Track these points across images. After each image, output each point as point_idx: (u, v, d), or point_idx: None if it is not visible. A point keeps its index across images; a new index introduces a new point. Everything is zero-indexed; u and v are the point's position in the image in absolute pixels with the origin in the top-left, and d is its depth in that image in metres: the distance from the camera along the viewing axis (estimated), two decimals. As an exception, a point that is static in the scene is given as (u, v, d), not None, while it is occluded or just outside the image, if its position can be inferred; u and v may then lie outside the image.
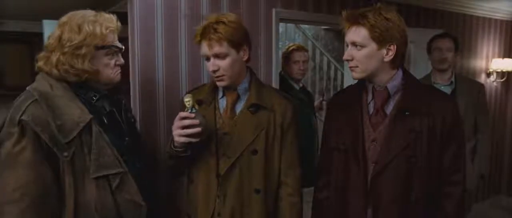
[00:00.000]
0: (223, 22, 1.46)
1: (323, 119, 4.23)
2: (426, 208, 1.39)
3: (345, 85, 3.66)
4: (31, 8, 3.61)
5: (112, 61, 1.43)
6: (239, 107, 1.59)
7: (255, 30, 2.64)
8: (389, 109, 1.42)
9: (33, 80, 1.39)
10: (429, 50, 2.79)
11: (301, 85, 3.03)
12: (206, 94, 1.63)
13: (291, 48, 2.94)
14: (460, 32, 3.91)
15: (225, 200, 1.54)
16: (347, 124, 1.47)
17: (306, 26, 5.52)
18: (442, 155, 1.38)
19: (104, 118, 1.43)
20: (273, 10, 2.70)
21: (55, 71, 1.34)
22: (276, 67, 2.68)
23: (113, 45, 1.41)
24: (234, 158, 1.53)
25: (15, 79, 4.48)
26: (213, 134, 1.56)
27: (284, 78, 2.95)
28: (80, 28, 1.36)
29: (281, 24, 3.54)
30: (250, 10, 2.61)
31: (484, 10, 4.16)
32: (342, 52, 4.32)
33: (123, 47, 1.50)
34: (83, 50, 1.34)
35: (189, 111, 1.42)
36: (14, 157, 1.21)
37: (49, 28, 2.71)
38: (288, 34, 5.59)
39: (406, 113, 1.36)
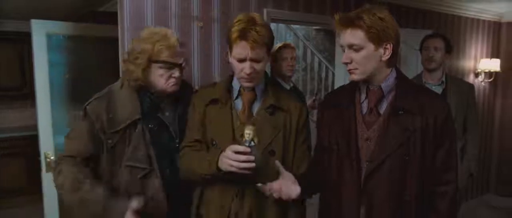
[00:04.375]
0: (262, 25, 1.47)
1: (315, 119, 4.25)
2: (419, 207, 1.40)
3: (336, 85, 3.68)
4: (19, 8, 3.57)
5: (167, 74, 1.64)
6: (256, 108, 1.59)
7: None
8: (383, 108, 1.42)
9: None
10: (421, 50, 2.82)
11: (291, 84, 3.03)
12: (221, 93, 1.59)
13: (278, 46, 2.95)
14: (449, 32, 3.95)
15: (243, 201, 1.53)
16: (340, 123, 1.47)
17: (297, 26, 5.53)
18: (435, 154, 1.39)
19: (152, 120, 1.67)
20: (264, 10, 2.70)
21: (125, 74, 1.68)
22: (268, 67, 2.68)
23: (166, 61, 1.61)
24: None
25: (2, 80, 4.42)
26: (230, 134, 1.54)
27: (274, 79, 2.95)
28: (140, 42, 1.63)
29: (273, 25, 3.54)
30: (242, 10, 2.60)
31: (472, 11, 4.21)
32: (333, 52, 4.34)
33: (181, 63, 1.67)
34: (138, 61, 1.61)
35: (247, 143, 1.37)
36: (77, 129, 1.67)
37: (38, 28, 2.67)
38: (280, 35, 5.59)
39: (400, 112, 1.37)
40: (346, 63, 1.41)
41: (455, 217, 1.46)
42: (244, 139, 1.38)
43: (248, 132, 1.37)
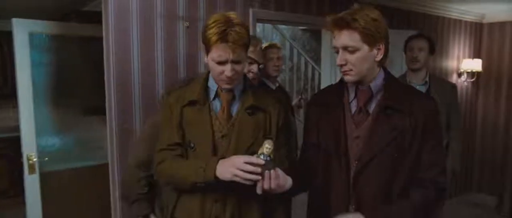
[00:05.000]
0: (241, 25, 1.41)
1: (301, 118, 4.27)
2: None
3: (323, 85, 3.70)
4: (0, 7, 3.49)
5: (246, 68, 1.81)
6: (235, 109, 1.54)
7: (233, 30, 2.63)
8: (372, 107, 1.43)
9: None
10: (405, 50, 2.86)
11: (277, 84, 3.04)
12: (198, 94, 1.54)
13: (264, 46, 2.95)
14: (433, 33, 4.01)
15: (225, 205, 1.49)
16: (328, 122, 1.47)
17: (284, 26, 5.55)
18: (421, 152, 1.40)
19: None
20: (250, 11, 2.70)
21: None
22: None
23: (248, 56, 1.69)
24: None
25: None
26: (209, 136, 1.50)
27: (260, 79, 2.95)
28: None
29: (259, 25, 3.54)
30: (227, 10, 2.60)
31: (455, 12, 4.29)
32: (319, 52, 4.37)
33: (260, 63, 1.89)
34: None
35: (263, 157, 1.32)
36: (161, 115, 1.66)
37: (20, 27, 2.62)
38: (266, 35, 5.60)
39: (389, 111, 1.39)
40: (341, 65, 1.39)
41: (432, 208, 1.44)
42: (261, 152, 1.33)
43: (268, 147, 1.33)
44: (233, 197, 1.48)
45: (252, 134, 1.50)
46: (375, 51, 1.38)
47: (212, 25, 1.39)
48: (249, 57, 1.83)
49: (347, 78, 1.41)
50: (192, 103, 1.53)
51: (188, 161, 1.52)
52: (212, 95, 1.55)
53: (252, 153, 1.46)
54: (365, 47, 1.36)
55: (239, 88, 1.55)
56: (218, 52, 1.40)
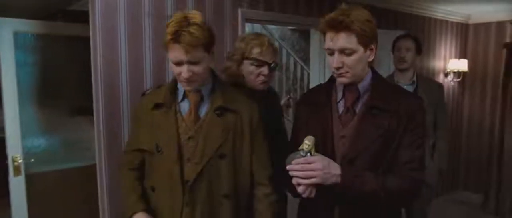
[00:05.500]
0: (197, 24, 1.37)
1: (290, 117, 4.27)
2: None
3: (312, 85, 3.71)
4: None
5: (256, 71, 1.81)
6: (203, 110, 1.51)
7: (221, 30, 2.63)
8: (359, 107, 1.44)
9: None
10: (393, 50, 2.89)
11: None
12: (165, 97, 1.51)
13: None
14: (420, 33, 4.06)
15: (194, 209, 1.47)
16: (316, 121, 1.47)
17: (273, 26, 5.56)
18: (399, 148, 1.41)
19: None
20: (239, 11, 2.70)
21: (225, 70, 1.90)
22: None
23: (255, 58, 1.80)
24: (202, 164, 1.46)
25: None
26: (174, 139, 1.47)
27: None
28: (238, 41, 1.89)
29: (248, 25, 3.54)
30: (216, 10, 2.59)
31: (441, 13, 4.35)
32: (308, 52, 4.38)
33: (270, 62, 1.82)
34: (235, 57, 1.84)
35: (303, 153, 1.32)
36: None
37: (4, 26, 2.58)
38: (255, 35, 5.60)
39: (375, 111, 1.39)
40: (338, 68, 1.37)
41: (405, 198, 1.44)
42: (301, 148, 1.32)
43: (308, 143, 1.31)
44: (202, 200, 1.48)
45: (221, 135, 1.48)
46: (368, 52, 1.38)
47: (168, 24, 1.38)
48: (257, 59, 1.79)
49: (342, 80, 1.40)
50: (158, 106, 1.51)
51: (130, 185, 1.60)
52: (180, 97, 1.53)
53: (221, 155, 1.48)
54: (361, 49, 1.35)
55: (208, 88, 1.52)
56: (173, 53, 1.39)
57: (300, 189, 1.33)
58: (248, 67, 1.82)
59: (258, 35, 1.89)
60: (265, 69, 1.82)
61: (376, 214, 1.43)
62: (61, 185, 2.95)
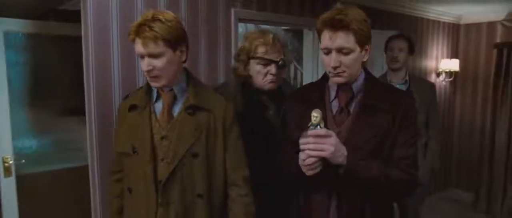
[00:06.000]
0: (160, 20, 1.38)
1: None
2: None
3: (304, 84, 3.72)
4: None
5: (264, 70, 1.76)
6: (177, 109, 1.50)
7: (214, 30, 2.62)
8: (353, 107, 1.45)
9: None
10: (385, 50, 2.91)
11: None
12: (140, 98, 1.52)
13: None
14: (413, 33, 4.08)
15: (169, 209, 1.46)
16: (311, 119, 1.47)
17: (266, 26, 5.55)
18: (394, 146, 1.41)
19: (252, 113, 1.78)
20: (232, 10, 2.69)
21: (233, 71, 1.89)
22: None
23: (261, 57, 1.75)
24: (174, 164, 1.45)
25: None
26: (148, 139, 1.47)
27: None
28: (243, 40, 1.83)
29: (241, 24, 3.53)
30: (209, 10, 2.59)
31: (433, 13, 4.38)
32: (301, 52, 4.39)
33: (277, 60, 1.77)
34: (241, 58, 1.80)
35: (313, 127, 1.29)
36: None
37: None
38: (248, 35, 5.59)
39: (369, 110, 1.40)
40: (335, 67, 1.36)
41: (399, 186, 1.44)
42: (310, 123, 1.29)
43: (316, 115, 1.28)
44: (176, 200, 1.47)
45: (193, 134, 1.47)
46: (363, 52, 1.39)
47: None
48: (262, 59, 1.75)
49: (338, 79, 1.40)
50: (134, 107, 1.52)
51: (113, 191, 1.67)
52: (154, 98, 1.53)
53: (194, 154, 1.47)
54: (358, 49, 1.36)
55: (181, 88, 1.52)
56: (136, 47, 1.41)
57: (308, 161, 1.30)
58: (255, 67, 1.78)
59: (262, 32, 1.82)
60: (272, 68, 1.76)
61: (371, 211, 1.43)
62: (52, 186, 2.92)
